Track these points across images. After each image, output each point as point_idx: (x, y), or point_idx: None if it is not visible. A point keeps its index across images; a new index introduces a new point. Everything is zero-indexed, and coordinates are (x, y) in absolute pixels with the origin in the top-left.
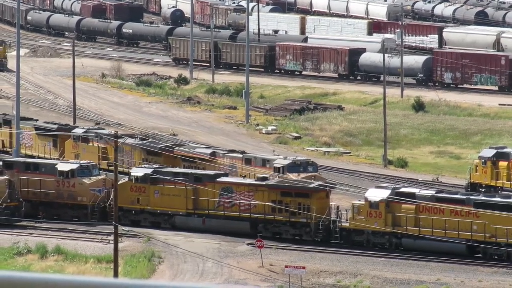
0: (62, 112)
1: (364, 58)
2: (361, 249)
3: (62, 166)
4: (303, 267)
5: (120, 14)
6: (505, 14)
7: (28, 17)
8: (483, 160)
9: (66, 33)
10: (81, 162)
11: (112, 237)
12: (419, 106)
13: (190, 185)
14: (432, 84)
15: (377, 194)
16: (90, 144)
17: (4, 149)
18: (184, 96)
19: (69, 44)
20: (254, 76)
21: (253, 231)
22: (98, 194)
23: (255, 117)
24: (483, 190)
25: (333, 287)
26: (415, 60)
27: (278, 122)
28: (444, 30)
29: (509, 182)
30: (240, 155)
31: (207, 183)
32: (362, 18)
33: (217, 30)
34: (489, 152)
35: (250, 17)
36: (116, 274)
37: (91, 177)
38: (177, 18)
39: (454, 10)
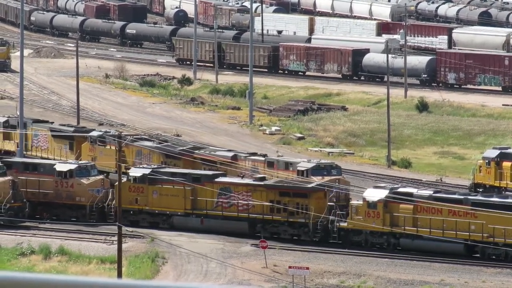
0: (65, 112)
1: (368, 59)
2: (365, 249)
3: (61, 167)
4: (307, 268)
5: (123, 15)
6: (508, 15)
7: (32, 18)
8: (486, 161)
9: (69, 33)
10: (80, 162)
11: (115, 238)
12: (422, 107)
13: (188, 185)
14: (435, 84)
15: (375, 194)
16: (108, 147)
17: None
18: (188, 97)
19: (73, 45)
20: (257, 77)
21: (252, 231)
22: (96, 195)
23: (258, 117)
24: (481, 190)
25: (337, 287)
26: (419, 61)
27: (282, 123)
28: (454, 31)
29: None
30: (262, 158)
31: (205, 183)
32: (365, 18)
33: (221, 30)
34: (492, 153)
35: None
36: (119, 275)
37: (89, 178)
38: (181, 18)
39: (458, 11)
